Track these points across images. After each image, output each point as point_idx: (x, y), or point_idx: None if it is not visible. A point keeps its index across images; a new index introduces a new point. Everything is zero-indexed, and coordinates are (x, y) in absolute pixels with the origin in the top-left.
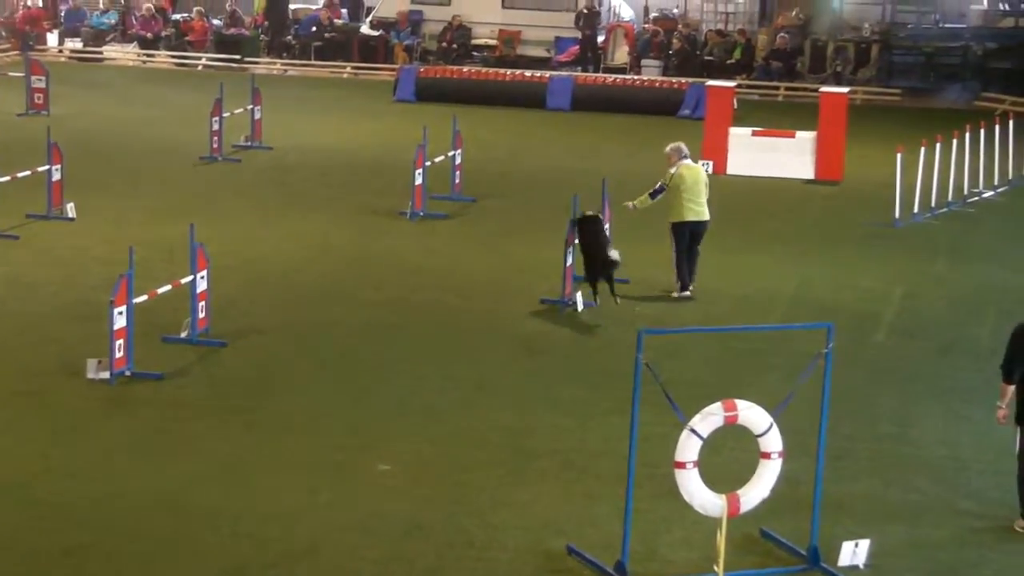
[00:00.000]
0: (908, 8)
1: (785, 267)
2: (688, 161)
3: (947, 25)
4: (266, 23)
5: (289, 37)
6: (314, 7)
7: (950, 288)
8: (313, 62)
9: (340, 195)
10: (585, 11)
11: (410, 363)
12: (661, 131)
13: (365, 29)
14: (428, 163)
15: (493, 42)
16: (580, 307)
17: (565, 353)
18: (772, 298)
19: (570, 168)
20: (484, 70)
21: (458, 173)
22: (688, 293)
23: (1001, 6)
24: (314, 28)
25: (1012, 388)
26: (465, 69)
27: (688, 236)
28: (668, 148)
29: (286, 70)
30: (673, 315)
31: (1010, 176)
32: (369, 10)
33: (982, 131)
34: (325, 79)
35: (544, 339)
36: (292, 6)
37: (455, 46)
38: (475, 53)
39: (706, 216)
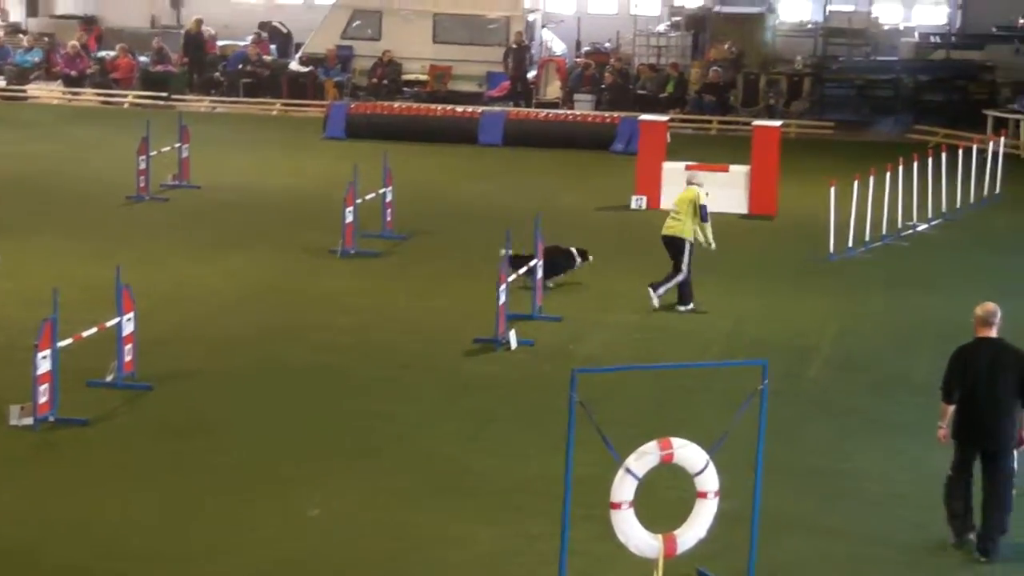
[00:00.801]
0: (840, 41)
1: (721, 303)
2: (689, 186)
3: (879, 58)
4: (186, 60)
5: (217, 73)
6: (242, 43)
7: (885, 322)
8: (241, 99)
9: (270, 234)
10: (515, 46)
11: (343, 403)
12: (594, 166)
13: (294, 65)
14: (359, 200)
15: (424, 77)
16: (514, 345)
17: (500, 392)
18: (708, 334)
19: (503, 204)
20: (415, 106)
21: (389, 210)
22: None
23: (932, 38)
24: (242, 64)
25: (951, 408)
26: (396, 105)
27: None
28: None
29: (214, 107)
30: (609, 352)
31: (943, 209)
32: (298, 46)
33: (915, 164)
34: (254, 116)
35: (479, 378)
36: (220, 42)
37: (386, 82)
38: (406, 89)
39: (671, 232)
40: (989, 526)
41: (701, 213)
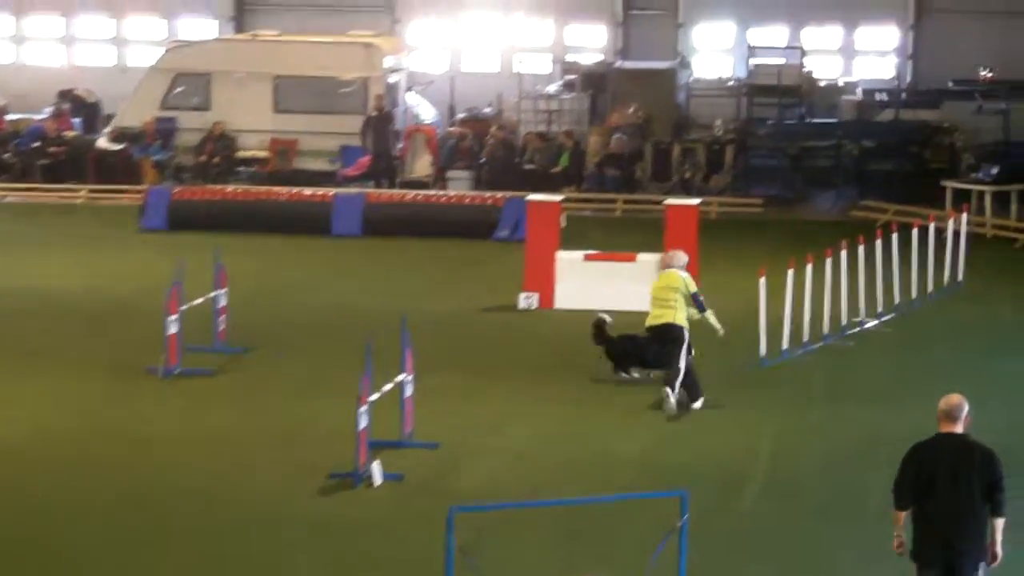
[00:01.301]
0: (768, 101)
1: (630, 421)
2: (667, 270)
3: (815, 120)
4: None
5: (7, 154)
6: (37, 116)
7: (828, 439)
8: (39, 184)
9: (73, 350)
10: (375, 114)
11: (163, 564)
12: (474, 257)
13: (103, 142)
14: (185, 307)
15: (264, 154)
16: (378, 480)
17: (363, 538)
18: (617, 459)
19: (362, 307)
20: (253, 189)
21: (223, 318)
22: (667, 391)
23: (878, 96)
24: (38, 142)
25: (904, 515)
26: (230, 188)
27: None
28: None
29: (4, 196)
30: (495, 485)
31: (896, 301)
32: (108, 118)
33: (861, 247)
34: (54, 205)
35: (337, 521)
36: (11, 115)
37: (217, 160)
38: (242, 168)
39: (663, 320)
40: None
41: (696, 303)
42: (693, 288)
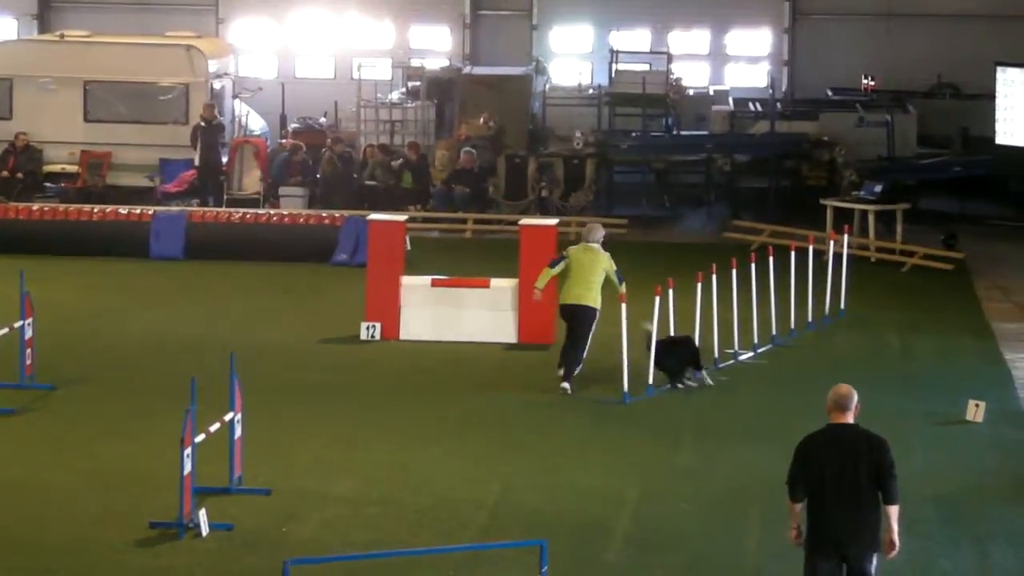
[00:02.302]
0: (632, 111)
1: (482, 464)
2: (589, 244)
3: (683, 132)
4: None
5: None
6: None
7: (699, 482)
8: None
9: None
10: (204, 123)
11: None
12: (310, 283)
13: None
14: None
15: (73, 168)
16: (204, 530)
17: None
18: (466, 507)
19: (186, 338)
20: (61, 208)
21: (29, 351)
22: (566, 386)
23: (751, 107)
24: None
25: (799, 506)
26: (35, 207)
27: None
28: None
29: None
30: (335, 535)
31: (773, 331)
32: None
33: (734, 272)
34: None
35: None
36: None
37: (20, 176)
38: (49, 184)
39: (585, 302)
40: None
41: (619, 279)
42: (614, 265)
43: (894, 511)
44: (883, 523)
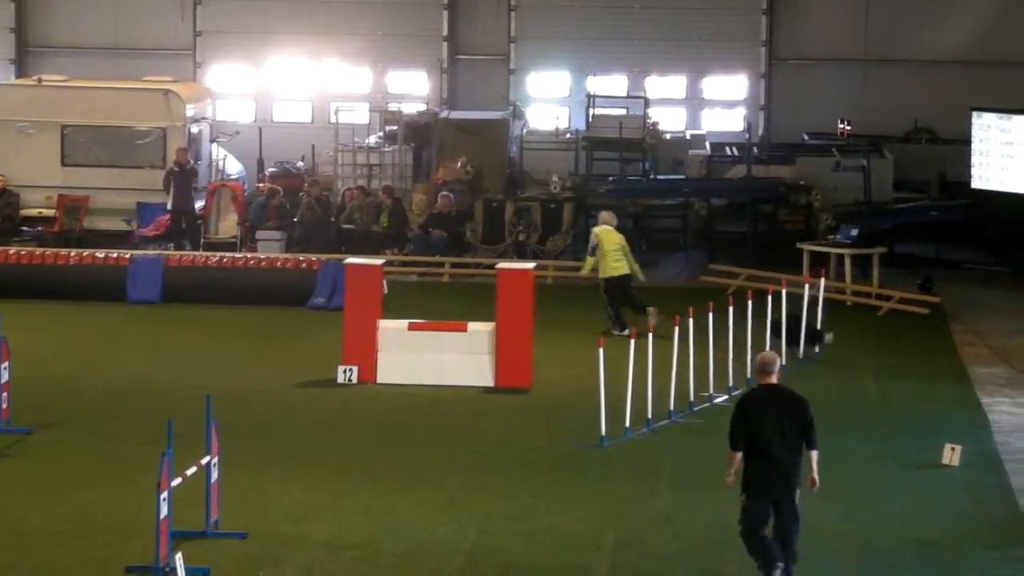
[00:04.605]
0: (609, 156)
1: (459, 508)
2: (606, 227)
3: (660, 177)
4: None
5: None
6: None
7: (679, 527)
8: None
9: None
10: (178, 168)
11: None
12: (287, 327)
13: None
14: None
15: (50, 212)
16: (181, 574)
17: None
18: (443, 552)
19: (162, 382)
20: (39, 252)
21: (4, 395)
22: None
23: (728, 151)
24: None
25: (739, 456)
26: (12, 251)
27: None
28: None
29: None
30: None
31: (748, 374)
32: None
33: (710, 316)
34: None
35: None
36: None
37: None
38: (25, 228)
39: (622, 272)
40: (790, 561)
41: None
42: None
43: (815, 455)
44: (804, 466)
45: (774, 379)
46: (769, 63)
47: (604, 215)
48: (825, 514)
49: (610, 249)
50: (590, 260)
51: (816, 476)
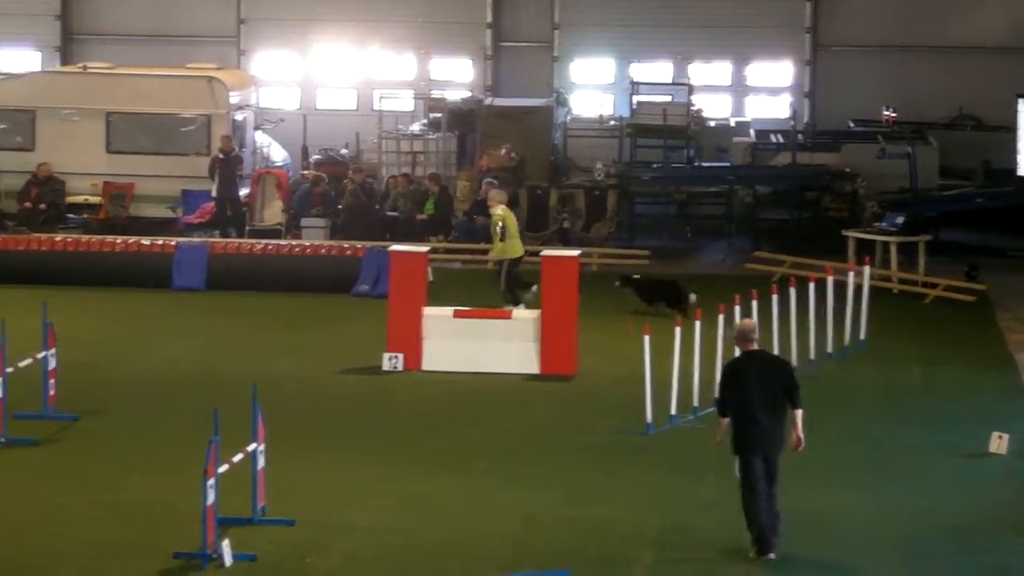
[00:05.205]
0: (653, 143)
1: (504, 496)
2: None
3: (705, 164)
4: None
5: None
6: None
7: (724, 515)
8: None
9: None
10: (222, 155)
11: None
12: (331, 314)
13: None
14: (9, 369)
15: (96, 200)
16: (228, 561)
17: None
18: (488, 540)
19: (208, 369)
20: (84, 239)
21: (52, 382)
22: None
23: (773, 138)
24: None
25: (727, 421)
26: (58, 238)
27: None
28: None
29: None
30: (356, 568)
31: (794, 362)
32: None
33: (755, 303)
34: None
35: None
36: None
37: (43, 206)
38: (71, 216)
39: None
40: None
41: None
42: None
43: (800, 414)
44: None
45: (755, 345)
46: (814, 50)
47: (498, 195)
48: (866, 502)
49: (515, 230)
50: (499, 245)
51: (801, 434)
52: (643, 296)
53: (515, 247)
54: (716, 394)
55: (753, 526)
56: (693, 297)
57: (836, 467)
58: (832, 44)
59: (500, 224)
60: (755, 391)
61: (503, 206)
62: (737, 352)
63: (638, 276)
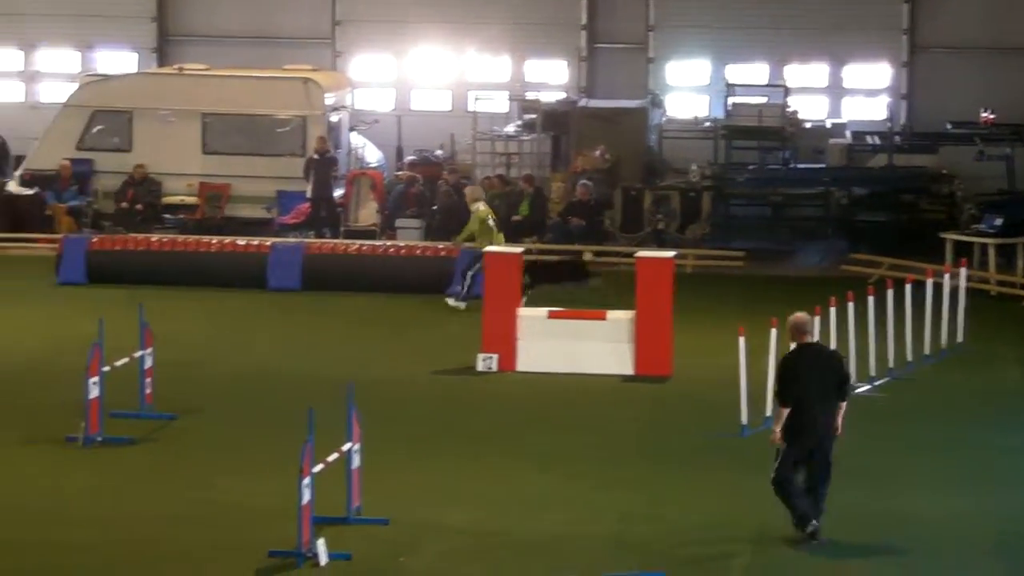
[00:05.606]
0: (748, 144)
1: (598, 496)
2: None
3: (800, 166)
4: None
5: None
6: None
7: (820, 518)
8: None
9: None
10: (318, 156)
11: None
12: (426, 315)
13: (14, 186)
14: (106, 368)
15: (192, 200)
16: (323, 560)
17: None
18: (582, 539)
19: (302, 369)
20: (180, 239)
21: (149, 381)
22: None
23: (869, 139)
24: None
25: (786, 412)
26: (154, 239)
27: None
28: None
29: None
30: (452, 564)
31: (890, 364)
32: (19, 160)
33: (851, 305)
34: None
35: None
36: None
37: (140, 207)
38: (168, 216)
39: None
40: (819, 511)
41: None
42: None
43: (843, 406)
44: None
45: (809, 338)
46: (911, 51)
47: (477, 191)
48: (962, 506)
49: (494, 226)
50: (498, 236)
51: (840, 425)
52: (548, 278)
53: (497, 242)
54: (774, 386)
55: (794, 507)
56: (593, 282)
57: (932, 470)
58: (930, 45)
59: (490, 218)
60: (810, 383)
61: (483, 202)
62: (792, 346)
63: (534, 259)
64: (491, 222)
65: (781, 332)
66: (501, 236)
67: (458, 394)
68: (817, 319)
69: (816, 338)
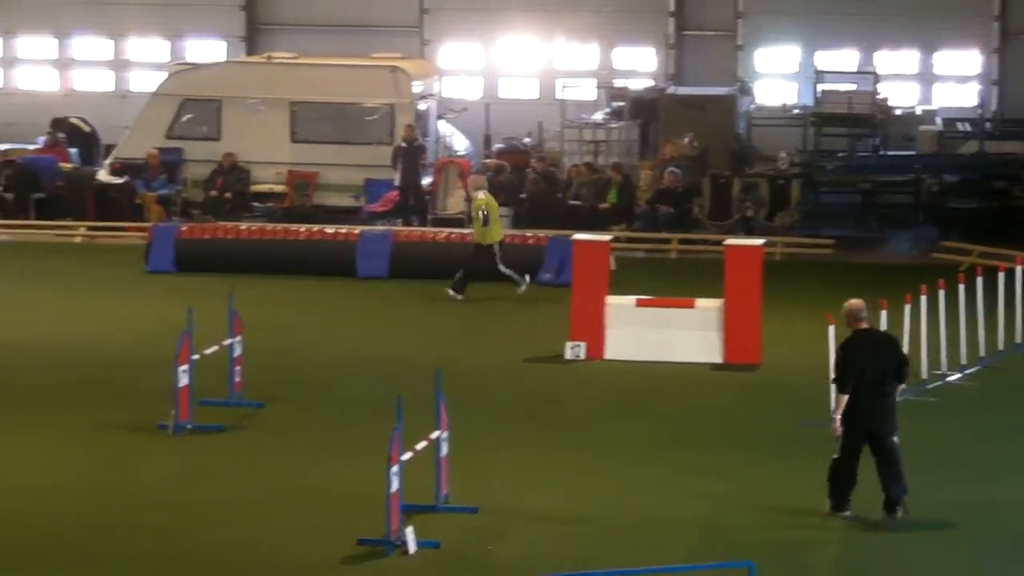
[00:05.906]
0: (838, 131)
1: (687, 483)
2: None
3: (890, 153)
4: None
5: None
6: (32, 146)
7: (914, 511)
8: (33, 222)
9: (71, 406)
10: (405, 144)
11: None
12: (514, 303)
13: (104, 175)
14: (196, 356)
15: (281, 188)
16: (412, 548)
17: None
18: (671, 526)
19: (390, 357)
20: (269, 227)
21: (238, 369)
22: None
23: (960, 126)
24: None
25: (846, 398)
26: (243, 227)
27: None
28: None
29: None
30: (542, 552)
31: (981, 353)
32: (108, 149)
33: (942, 293)
34: (51, 245)
35: None
36: (1, 145)
37: (229, 195)
38: (256, 204)
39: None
40: (896, 493)
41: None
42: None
43: (902, 387)
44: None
45: (865, 324)
46: (1002, 37)
47: (480, 179)
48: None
49: (496, 215)
50: (482, 230)
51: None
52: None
53: (495, 232)
54: (833, 373)
55: (835, 489)
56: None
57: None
58: (1021, 32)
59: (483, 209)
60: (870, 368)
61: (484, 191)
62: (849, 332)
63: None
64: (482, 214)
65: (873, 322)
66: (492, 229)
67: (546, 382)
68: (908, 307)
69: (905, 326)
